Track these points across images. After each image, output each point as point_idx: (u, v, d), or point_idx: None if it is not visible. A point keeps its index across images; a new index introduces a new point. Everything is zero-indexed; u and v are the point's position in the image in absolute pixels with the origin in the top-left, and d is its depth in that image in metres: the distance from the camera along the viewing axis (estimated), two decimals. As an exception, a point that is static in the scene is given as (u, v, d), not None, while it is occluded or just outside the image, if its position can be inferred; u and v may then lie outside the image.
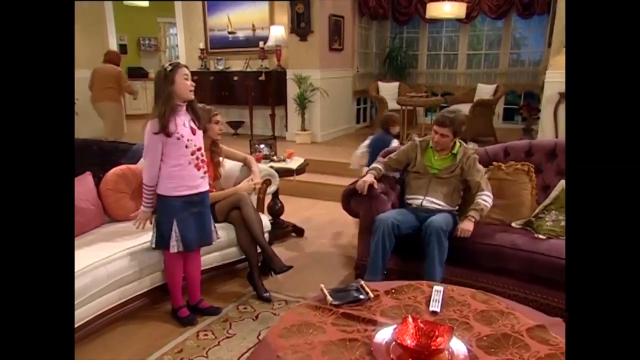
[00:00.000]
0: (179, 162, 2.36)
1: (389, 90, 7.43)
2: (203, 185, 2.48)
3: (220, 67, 7.52)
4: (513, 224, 2.91)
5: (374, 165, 3.06)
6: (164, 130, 2.28)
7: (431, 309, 1.80)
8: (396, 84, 7.61)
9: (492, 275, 2.67)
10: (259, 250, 2.97)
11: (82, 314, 2.27)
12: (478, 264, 2.70)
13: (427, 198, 2.85)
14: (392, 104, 6.99)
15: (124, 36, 10.09)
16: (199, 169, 2.43)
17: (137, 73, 10.37)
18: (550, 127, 5.32)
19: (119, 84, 6.21)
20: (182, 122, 2.35)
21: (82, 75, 7.15)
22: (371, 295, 1.88)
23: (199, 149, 2.42)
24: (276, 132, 7.19)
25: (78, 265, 2.24)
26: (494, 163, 3.08)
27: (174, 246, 2.42)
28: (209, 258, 2.88)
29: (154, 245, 2.50)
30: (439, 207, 2.83)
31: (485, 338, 1.61)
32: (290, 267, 2.86)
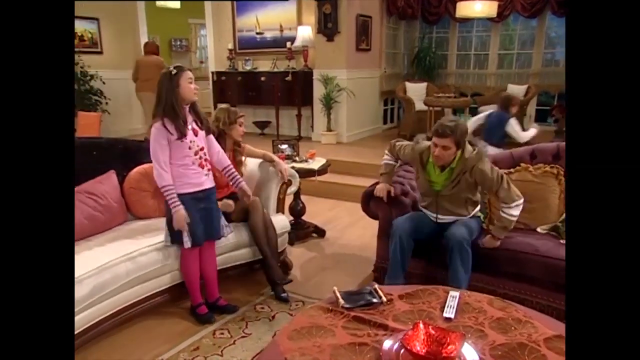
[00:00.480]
0: (184, 162, 2.41)
1: (416, 90, 7.34)
2: (207, 182, 2.52)
3: (248, 68, 7.59)
4: (538, 229, 2.82)
5: (386, 161, 2.92)
6: (180, 133, 2.34)
7: (445, 315, 1.76)
8: (424, 84, 7.50)
9: (514, 282, 2.59)
10: (279, 250, 3.01)
11: (102, 309, 2.32)
12: (500, 270, 2.62)
13: (440, 217, 2.70)
14: (420, 105, 6.91)
15: (155, 37, 10.29)
16: (202, 168, 2.48)
17: (169, 73, 10.57)
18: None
19: None
20: (188, 124, 2.41)
21: (114, 76, 7.37)
22: (384, 299, 1.85)
23: (202, 149, 2.48)
24: (302, 132, 7.20)
25: (99, 262, 2.30)
26: (522, 164, 2.99)
27: (187, 242, 2.46)
28: (229, 257, 2.90)
29: (169, 243, 2.54)
30: (455, 220, 2.68)
31: (499, 347, 1.56)
32: (289, 281, 2.92)
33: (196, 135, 2.44)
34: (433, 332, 1.51)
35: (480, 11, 6.99)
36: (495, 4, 7.09)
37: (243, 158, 3.14)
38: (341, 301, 1.81)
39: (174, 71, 2.35)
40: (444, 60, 8.65)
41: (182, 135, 2.35)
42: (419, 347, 1.46)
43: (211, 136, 2.60)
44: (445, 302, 1.84)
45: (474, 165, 2.54)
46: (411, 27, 8.72)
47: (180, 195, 2.40)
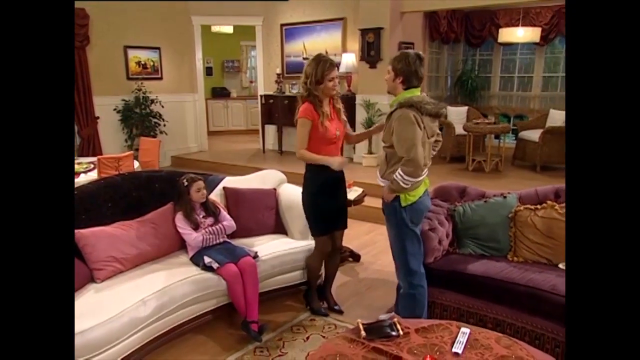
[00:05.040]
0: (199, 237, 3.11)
1: (457, 115, 7.48)
2: (219, 240, 3.19)
3: (295, 91, 7.97)
4: (560, 265, 2.98)
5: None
6: (194, 226, 3.11)
7: (454, 350, 1.99)
8: (465, 108, 7.64)
9: (530, 316, 2.74)
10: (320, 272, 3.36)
11: (159, 327, 2.67)
12: (517, 303, 2.79)
13: None
14: (460, 129, 7.05)
15: (210, 59, 10.94)
16: (213, 234, 3.17)
17: (221, 93, 11.19)
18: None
19: None
20: (199, 215, 3.17)
21: (172, 99, 7.97)
22: (401, 332, 2.10)
23: (211, 225, 3.17)
24: (345, 154, 7.49)
25: (160, 285, 2.68)
26: (548, 202, 3.15)
27: (210, 262, 2.93)
28: (283, 278, 3.33)
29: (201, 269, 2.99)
30: None
31: (497, 382, 1.78)
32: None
33: (206, 219, 3.18)
34: (438, 366, 1.76)
35: (522, 37, 7.11)
36: (538, 30, 7.17)
37: (340, 106, 3.03)
38: (363, 333, 2.09)
39: (185, 183, 3.14)
40: (487, 82, 8.74)
41: (195, 226, 3.10)
42: (424, 379, 1.72)
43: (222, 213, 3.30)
44: (456, 338, 2.07)
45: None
46: (455, 50, 8.87)
47: (200, 250, 3.09)
